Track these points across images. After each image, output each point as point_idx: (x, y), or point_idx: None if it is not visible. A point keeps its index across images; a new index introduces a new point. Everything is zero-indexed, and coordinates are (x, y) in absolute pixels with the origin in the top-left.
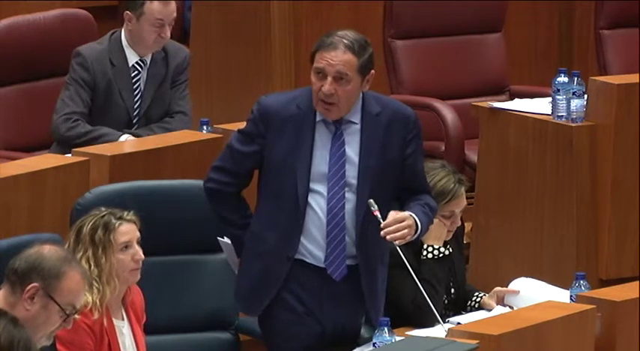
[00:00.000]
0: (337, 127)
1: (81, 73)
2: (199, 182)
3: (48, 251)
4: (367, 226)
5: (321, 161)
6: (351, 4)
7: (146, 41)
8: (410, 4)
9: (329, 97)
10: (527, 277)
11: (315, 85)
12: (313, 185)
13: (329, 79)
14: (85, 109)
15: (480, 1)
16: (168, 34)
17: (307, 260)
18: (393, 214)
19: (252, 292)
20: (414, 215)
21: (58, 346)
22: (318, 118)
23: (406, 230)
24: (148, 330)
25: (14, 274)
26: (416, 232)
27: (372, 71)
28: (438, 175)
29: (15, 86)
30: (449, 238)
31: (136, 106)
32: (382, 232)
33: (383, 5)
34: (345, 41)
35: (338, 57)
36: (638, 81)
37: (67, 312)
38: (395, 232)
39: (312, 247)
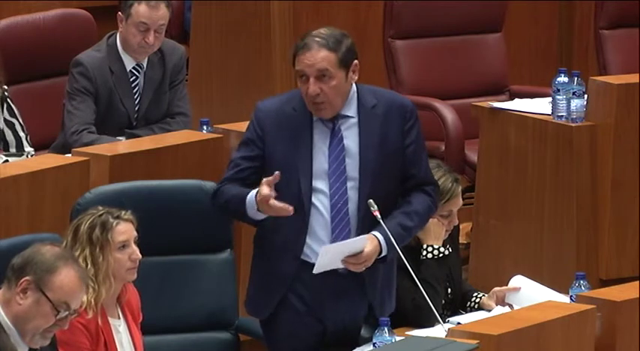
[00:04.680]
0: (335, 123)
1: (83, 83)
2: (199, 182)
3: (45, 248)
4: (369, 220)
5: (321, 159)
6: (351, 3)
7: (131, 45)
8: (410, 4)
9: (316, 98)
10: (525, 276)
11: (302, 89)
12: (316, 183)
13: (311, 79)
14: (92, 118)
15: (480, 1)
16: (152, 40)
17: (310, 261)
18: (364, 252)
19: (260, 294)
20: (382, 243)
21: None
22: (315, 117)
23: (362, 267)
24: (148, 330)
25: (11, 270)
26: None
27: (356, 61)
28: (435, 174)
29: (15, 86)
30: (445, 238)
31: (135, 109)
32: (342, 262)
33: (383, 5)
34: (318, 39)
35: (313, 56)
36: (638, 81)
37: (60, 310)
38: (353, 264)
39: (317, 246)
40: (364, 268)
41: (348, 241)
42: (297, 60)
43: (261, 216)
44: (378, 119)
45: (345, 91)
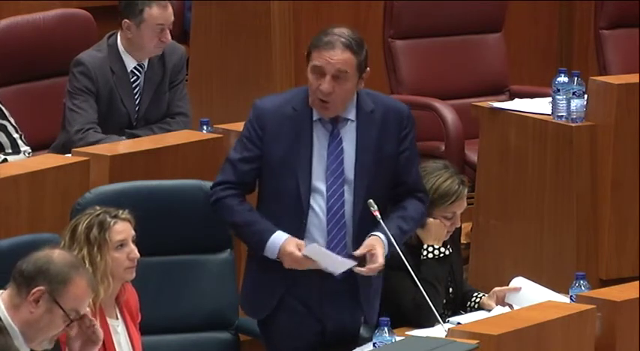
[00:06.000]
0: (334, 126)
1: (85, 82)
2: (199, 182)
3: (57, 256)
4: (365, 222)
5: (319, 160)
6: (351, 3)
7: (147, 47)
8: (410, 4)
9: (327, 96)
10: (526, 277)
11: (313, 84)
12: (314, 184)
13: (328, 77)
14: (96, 117)
15: (480, 1)
16: (169, 37)
17: None
18: (379, 262)
19: (257, 295)
20: (385, 245)
21: None
22: (314, 118)
23: (373, 273)
24: (148, 330)
25: (21, 275)
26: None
27: (368, 69)
28: (442, 176)
29: (15, 86)
30: (446, 239)
31: (136, 109)
32: (356, 270)
33: (383, 5)
34: (343, 40)
35: (337, 55)
36: (638, 81)
37: (71, 317)
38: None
39: None
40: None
41: (339, 258)
42: (317, 55)
43: (273, 258)
44: (376, 124)
45: (351, 96)
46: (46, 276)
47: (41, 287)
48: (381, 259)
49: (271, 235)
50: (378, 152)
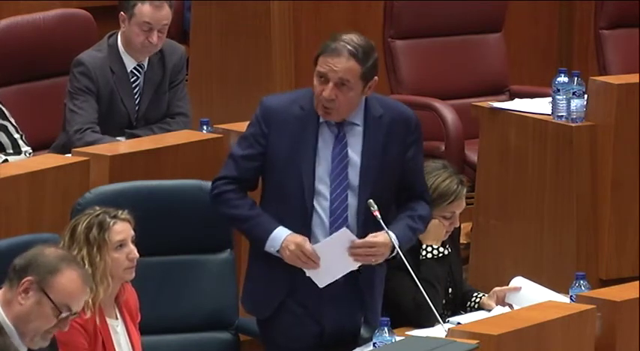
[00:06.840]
0: (340, 129)
1: (85, 82)
2: (199, 182)
3: (48, 249)
4: (368, 226)
5: (323, 163)
6: (351, 4)
7: (134, 44)
8: (410, 4)
9: (329, 102)
10: (525, 277)
11: (317, 89)
12: (317, 186)
13: (330, 84)
14: (95, 117)
15: (480, 1)
16: (155, 39)
17: None
18: (370, 237)
19: (261, 295)
20: (392, 236)
21: None
22: (321, 119)
23: (372, 258)
24: (148, 330)
25: (13, 270)
26: (391, 253)
27: (376, 78)
28: (440, 175)
29: (15, 86)
30: (445, 239)
31: (136, 109)
32: (349, 251)
33: (383, 5)
34: (350, 47)
35: (341, 63)
36: (638, 81)
37: (62, 311)
38: (362, 255)
39: None
40: (374, 262)
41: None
42: (322, 60)
43: (272, 250)
44: (383, 129)
45: (356, 103)
46: (35, 267)
47: (30, 277)
48: (375, 239)
49: (275, 227)
50: (384, 157)
